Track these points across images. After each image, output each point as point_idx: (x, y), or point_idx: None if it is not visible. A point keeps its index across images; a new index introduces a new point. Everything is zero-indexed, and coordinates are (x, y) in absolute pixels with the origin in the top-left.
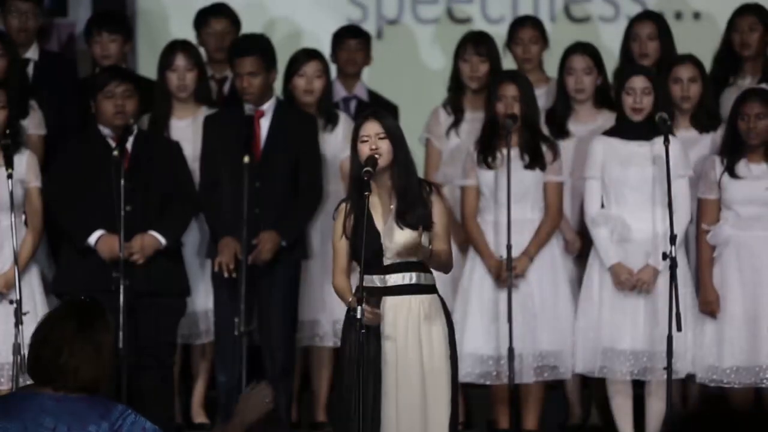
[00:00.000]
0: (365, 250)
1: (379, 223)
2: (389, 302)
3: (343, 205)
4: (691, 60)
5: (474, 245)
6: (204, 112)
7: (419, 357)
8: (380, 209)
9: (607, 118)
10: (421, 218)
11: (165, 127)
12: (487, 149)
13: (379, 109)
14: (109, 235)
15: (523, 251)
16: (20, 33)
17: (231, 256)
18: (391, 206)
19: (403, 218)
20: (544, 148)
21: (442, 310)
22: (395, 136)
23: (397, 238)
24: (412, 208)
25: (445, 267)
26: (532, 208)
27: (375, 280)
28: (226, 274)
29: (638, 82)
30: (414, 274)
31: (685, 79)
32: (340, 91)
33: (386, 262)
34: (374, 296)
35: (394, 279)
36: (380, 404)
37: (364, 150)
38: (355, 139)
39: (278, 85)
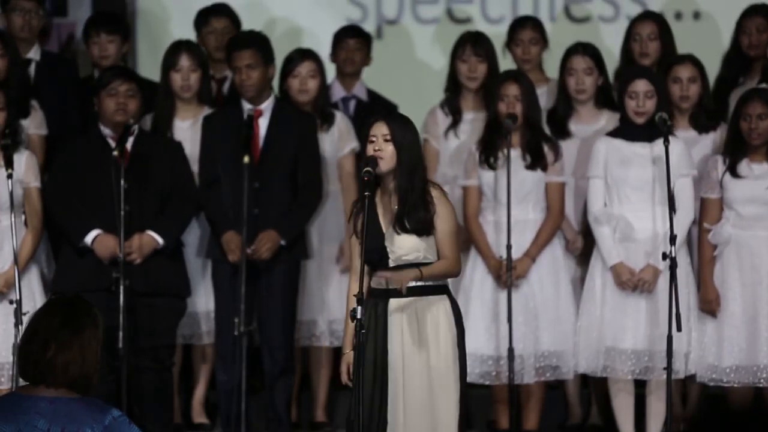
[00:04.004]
0: (371, 251)
1: (384, 224)
2: (395, 304)
3: (353, 206)
4: (691, 60)
5: (475, 245)
6: (207, 112)
7: (426, 359)
8: (385, 211)
9: (609, 119)
10: (421, 224)
11: (168, 127)
12: (489, 149)
13: (397, 112)
14: (105, 235)
15: (524, 252)
16: (23, 29)
17: (239, 254)
18: (392, 211)
19: (401, 223)
20: (546, 148)
21: (451, 312)
22: (401, 141)
23: (397, 243)
24: (412, 213)
25: (448, 275)
26: (534, 208)
27: (382, 282)
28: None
29: (641, 86)
30: None
31: (684, 79)
32: (339, 91)
33: (391, 263)
34: (380, 298)
35: None
36: (387, 406)
37: (369, 150)
38: (366, 138)
39: (275, 86)
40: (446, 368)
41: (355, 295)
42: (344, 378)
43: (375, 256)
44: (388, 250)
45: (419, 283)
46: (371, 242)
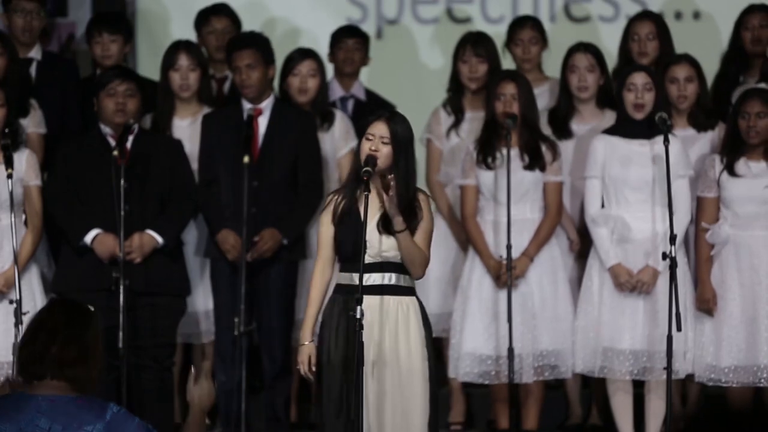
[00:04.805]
0: (350, 244)
1: (367, 221)
2: (367, 301)
3: (333, 196)
4: (688, 60)
5: (473, 245)
6: (206, 111)
7: (396, 357)
8: (371, 208)
9: (610, 118)
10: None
11: (167, 126)
12: (486, 149)
13: (398, 113)
14: (105, 235)
15: (522, 252)
16: (25, 32)
17: (237, 253)
18: (380, 209)
19: (385, 225)
20: (544, 148)
21: (419, 313)
22: (399, 144)
23: (378, 240)
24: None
25: (415, 260)
26: (532, 208)
27: (355, 278)
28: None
29: (639, 79)
30: (393, 275)
31: (681, 79)
32: (337, 91)
33: (369, 259)
34: (351, 295)
35: (374, 278)
36: (362, 405)
37: (365, 148)
38: (363, 132)
39: (275, 86)
40: (416, 368)
41: (356, 297)
42: (304, 369)
43: (353, 248)
44: (368, 244)
45: (392, 282)
46: (351, 234)
